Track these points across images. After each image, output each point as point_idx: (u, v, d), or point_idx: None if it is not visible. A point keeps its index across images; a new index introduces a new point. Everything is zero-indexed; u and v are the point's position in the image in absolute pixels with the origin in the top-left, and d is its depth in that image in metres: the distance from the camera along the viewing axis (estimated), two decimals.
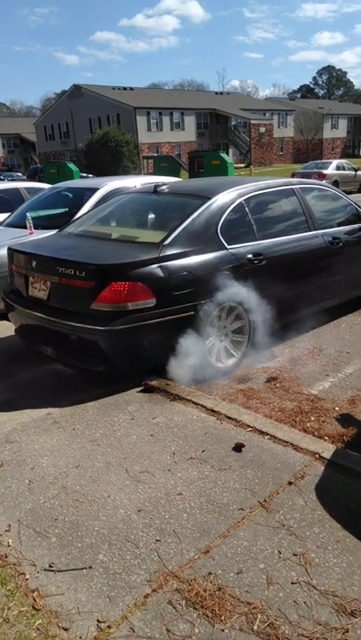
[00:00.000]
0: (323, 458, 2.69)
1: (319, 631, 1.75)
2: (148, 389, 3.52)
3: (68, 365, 3.83)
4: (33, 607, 1.88)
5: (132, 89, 49.72)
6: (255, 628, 1.77)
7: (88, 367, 3.58)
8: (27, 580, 2.01)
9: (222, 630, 1.77)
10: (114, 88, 48.47)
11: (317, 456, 2.71)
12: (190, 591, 1.92)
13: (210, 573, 2.00)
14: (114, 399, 3.45)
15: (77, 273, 3.45)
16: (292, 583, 1.94)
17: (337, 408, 3.38)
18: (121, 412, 3.29)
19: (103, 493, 2.49)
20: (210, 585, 1.94)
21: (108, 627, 1.80)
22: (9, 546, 2.19)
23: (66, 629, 1.79)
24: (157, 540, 2.18)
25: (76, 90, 48.92)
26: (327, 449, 2.76)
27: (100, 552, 2.13)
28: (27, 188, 7.61)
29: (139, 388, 3.56)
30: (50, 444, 2.96)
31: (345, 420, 3.22)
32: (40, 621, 1.82)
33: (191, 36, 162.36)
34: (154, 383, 3.55)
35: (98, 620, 1.82)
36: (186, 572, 2.01)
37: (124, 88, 49.34)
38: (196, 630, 1.77)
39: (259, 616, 1.81)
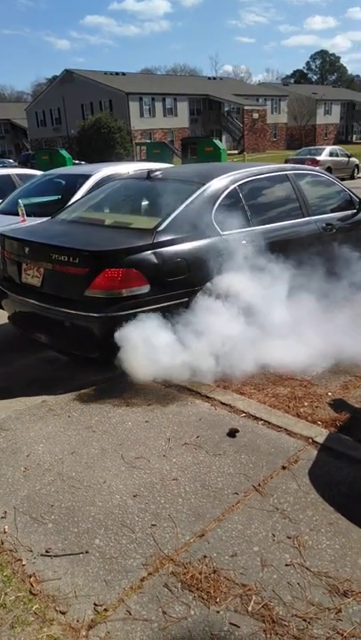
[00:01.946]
0: (316, 442, 2.71)
1: (313, 611, 1.79)
2: None
3: (62, 353, 3.82)
4: (30, 592, 1.90)
5: (124, 74, 49.04)
6: (250, 609, 1.80)
7: (82, 354, 3.58)
8: (23, 565, 2.02)
9: (217, 612, 1.80)
10: (106, 73, 47.80)
11: (311, 441, 2.73)
12: (186, 574, 1.94)
13: (205, 556, 2.02)
14: (109, 386, 3.46)
15: (71, 259, 3.43)
16: (286, 565, 1.97)
17: (330, 393, 3.40)
18: (116, 398, 3.30)
19: (99, 479, 2.51)
20: (205, 568, 1.97)
21: (105, 610, 1.82)
22: (5, 532, 2.20)
23: (63, 613, 1.82)
24: (153, 525, 2.20)
25: (68, 75, 48.19)
26: (320, 433, 2.79)
27: (96, 537, 2.15)
28: (18, 175, 7.52)
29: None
30: (45, 432, 2.97)
31: (338, 404, 3.25)
32: (37, 606, 1.84)
33: (183, 19, 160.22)
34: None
35: (95, 604, 1.85)
36: (181, 556, 2.03)
37: (117, 73, 48.66)
38: (192, 612, 1.80)
39: (253, 597, 1.84)
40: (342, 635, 1.70)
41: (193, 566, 1.98)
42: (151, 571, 1.97)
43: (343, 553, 2.02)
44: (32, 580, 1.96)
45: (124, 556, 2.05)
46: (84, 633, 1.74)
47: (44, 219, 4.79)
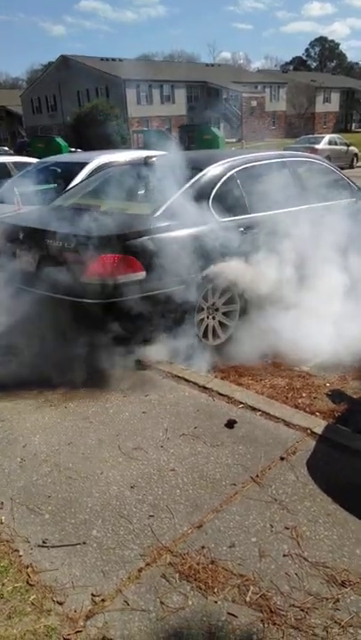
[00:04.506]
0: (314, 433, 2.71)
1: (310, 601, 1.79)
2: (140, 366, 3.51)
3: (59, 339, 3.79)
4: (27, 582, 1.90)
5: (120, 60, 48.38)
6: (248, 599, 1.80)
7: (77, 342, 3.55)
8: (20, 556, 2.02)
9: (215, 602, 1.80)
10: (102, 59, 47.13)
11: (309, 431, 2.73)
12: (183, 565, 1.94)
13: (203, 547, 2.02)
14: (106, 377, 3.44)
15: (66, 245, 3.39)
16: (284, 555, 1.97)
17: (328, 384, 3.39)
18: (113, 389, 3.28)
19: (96, 470, 2.50)
20: (203, 558, 1.97)
21: (103, 600, 1.82)
22: (2, 523, 2.19)
23: (60, 603, 1.81)
24: (151, 516, 2.19)
25: (64, 61, 47.51)
26: (318, 424, 2.79)
27: (93, 528, 2.14)
28: (14, 163, 7.43)
29: (131, 366, 3.54)
30: (42, 422, 2.95)
31: (336, 396, 3.24)
32: (34, 596, 1.84)
33: (180, 5, 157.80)
34: (146, 360, 3.54)
35: (92, 594, 1.84)
36: (179, 547, 2.03)
37: (113, 59, 47.99)
38: (190, 602, 1.80)
39: (251, 588, 1.84)
40: (340, 624, 1.70)
41: (191, 557, 1.98)
42: (149, 561, 1.97)
43: (341, 543, 2.02)
44: (29, 570, 1.95)
45: (122, 546, 2.04)
46: (81, 623, 1.74)
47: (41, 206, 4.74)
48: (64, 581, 1.90)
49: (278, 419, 2.86)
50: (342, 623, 1.71)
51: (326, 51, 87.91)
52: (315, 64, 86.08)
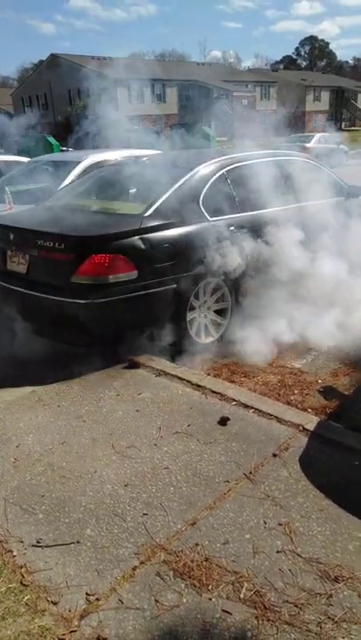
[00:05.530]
0: (306, 430, 2.72)
1: (304, 597, 1.80)
2: (133, 365, 3.50)
3: (50, 339, 3.78)
4: (21, 583, 1.89)
5: (111, 59, 48.22)
6: (242, 596, 1.81)
7: (69, 342, 3.55)
8: (14, 556, 2.01)
9: (210, 599, 1.80)
10: (93, 58, 46.97)
11: (301, 428, 2.74)
12: (178, 562, 1.95)
13: (197, 544, 2.03)
14: (99, 375, 3.44)
15: (57, 245, 3.38)
16: (278, 552, 1.98)
17: (320, 381, 3.41)
18: (106, 388, 3.28)
19: (90, 469, 2.50)
20: (197, 556, 1.97)
21: (97, 599, 1.82)
22: None
23: (55, 603, 1.81)
24: (145, 514, 2.19)
25: (54, 59, 47.30)
26: (311, 421, 2.80)
27: (87, 527, 2.14)
28: (5, 162, 7.39)
29: (123, 364, 3.54)
30: (35, 422, 2.94)
31: (328, 392, 3.26)
32: (29, 596, 1.84)
33: (170, 4, 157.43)
34: (138, 359, 3.54)
35: (87, 593, 1.84)
36: (173, 544, 2.03)
37: (104, 58, 47.82)
38: (184, 600, 1.80)
39: (245, 584, 1.85)
40: (333, 619, 1.72)
41: (185, 554, 1.98)
42: (143, 559, 1.97)
43: (334, 539, 2.04)
44: (23, 570, 1.95)
45: (116, 545, 2.04)
46: (76, 623, 1.74)
47: (32, 206, 4.72)
48: (58, 581, 1.90)
49: (271, 415, 2.87)
50: (336, 619, 1.72)
51: (316, 50, 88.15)
52: (305, 63, 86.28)
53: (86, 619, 1.75)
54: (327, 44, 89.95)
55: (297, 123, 52.88)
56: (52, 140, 19.83)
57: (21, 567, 1.96)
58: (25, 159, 7.43)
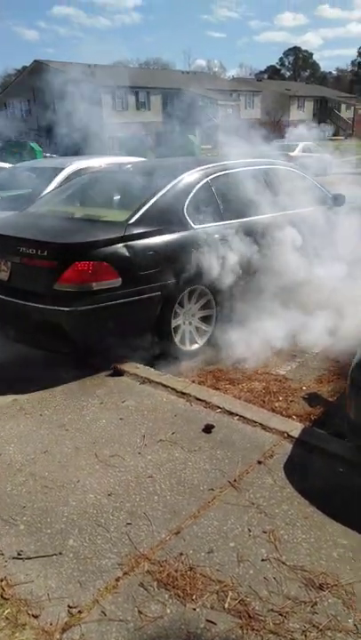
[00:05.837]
0: (291, 437, 2.72)
1: (289, 605, 1.79)
2: (117, 373, 3.48)
3: (33, 347, 3.74)
4: (1, 596, 1.85)
5: (95, 66, 48.39)
6: (226, 605, 1.79)
7: (52, 350, 3.51)
8: None
9: (194, 609, 1.78)
10: (77, 64, 47.02)
11: (286, 435, 2.74)
12: (162, 572, 1.92)
13: (181, 554, 2.00)
14: (82, 383, 3.40)
15: (39, 252, 3.36)
16: (263, 560, 1.97)
17: (304, 388, 3.43)
18: (90, 396, 3.24)
19: (73, 478, 2.46)
20: (181, 565, 1.95)
21: (79, 612, 1.78)
22: None
23: (36, 617, 1.77)
24: (128, 524, 2.17)
25: (38, 66, 47.08)
26: (295, 428, 2.80)
27: (70, 537, 2.10)
28: None
29: (107, 372, 3.51)
30: (16, 431, 2.90)
31: (312, 399, 3.27)
32: (9, 610, 1.79)
33: (155, 13, 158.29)
34: (123, 367, 3.51)
35: (69, 606, 1.81)
36: (157, 554, 2.01)
37: (88, 65, 47.97)
38: (168, 610, 1.78)
39: (230, 594, 1.83)
40: (318, 627, 1.71)
41: (169, 564, 1.96)
42: (126, 570, 1.94)
43: (318, 546, 2.03)
44: (3, 584, 1.90)
45: (99, 556, 2.01)
46: (57, 636, 1.70)
47: (14, 213, 4.68)
48: (39, 594, 1.86)
49: (255, 423, 2.87)
50: (320, 627, 1.71)
51: (300, 60, 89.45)
52: (289, 73, 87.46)
53: (68, 632, 1.72)
54: (311, 54, 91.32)
55: (281, 131, 53.48)
56: (35, 146, 19.77)
57: (1, 580, 1.92)
58: (7, 165, 7.38)
